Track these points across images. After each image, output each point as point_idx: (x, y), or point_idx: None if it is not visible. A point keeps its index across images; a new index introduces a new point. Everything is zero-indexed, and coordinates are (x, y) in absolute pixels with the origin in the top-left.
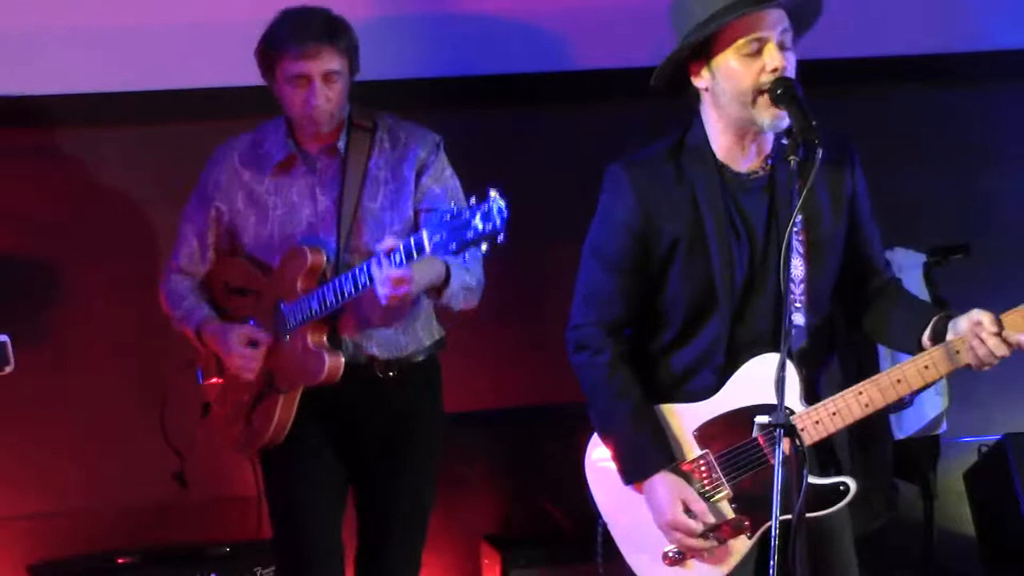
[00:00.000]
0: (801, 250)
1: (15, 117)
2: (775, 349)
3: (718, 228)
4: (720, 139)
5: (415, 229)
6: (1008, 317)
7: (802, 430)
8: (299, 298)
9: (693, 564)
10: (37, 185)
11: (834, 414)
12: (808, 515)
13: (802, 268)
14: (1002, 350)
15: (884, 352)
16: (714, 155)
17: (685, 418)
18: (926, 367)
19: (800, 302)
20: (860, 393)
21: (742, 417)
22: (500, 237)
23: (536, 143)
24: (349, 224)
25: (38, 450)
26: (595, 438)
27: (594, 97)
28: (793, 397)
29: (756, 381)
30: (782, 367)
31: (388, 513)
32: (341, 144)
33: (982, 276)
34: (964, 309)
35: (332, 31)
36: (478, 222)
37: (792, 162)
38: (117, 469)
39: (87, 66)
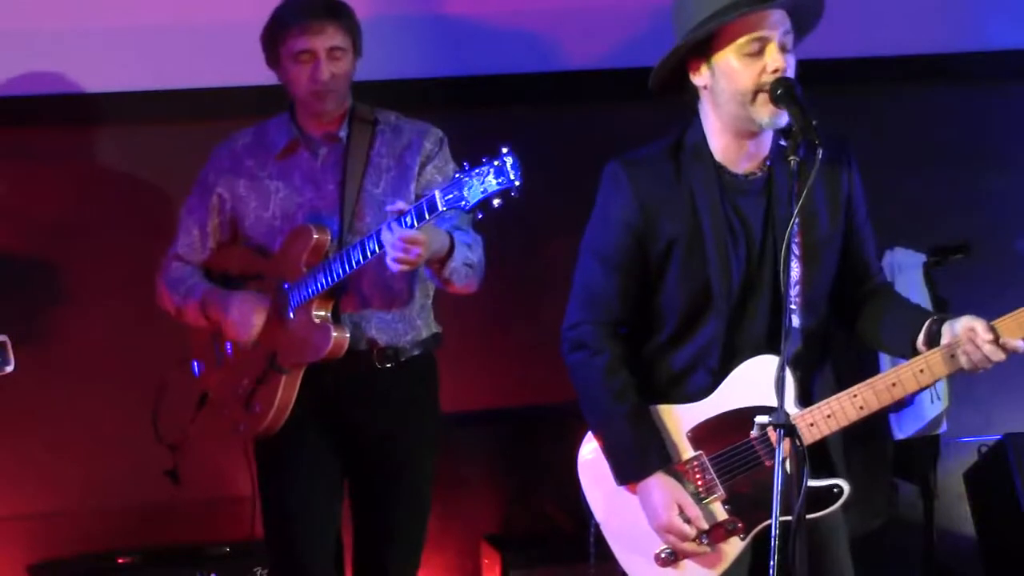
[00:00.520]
0: (798, 252)
1: (15, 117)
2: (771, 351)
3: (715, 229)
4: (718, 139)
5: None
6: (1002, 323)
7: None
8: (303, 275)
9: (685, 565)
10: (37, 185)
11: (829, 416)
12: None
13: (798, 270)
14: (998, 356)
15: (885, 355)
16: (712, 156)
17: (679, 419)
18: (921, 371)
19: (796, 304)
20: (855, 396)
21: (736, 419)
22: (515, 192)
23: (536, 143)
24: (352, 207)
25: (38, 450)
26: (588, 437)
27: (594, 97)
28: (788, 399)
29: (751, 383)
30: (782, 367)
31: (386, 512)
32: (343, 133)
33: (982, 276)
34: (964, 309)
35: (335, 9)
36: (491, 178)
37: (792, 162)
38: (117, 469)
39: (87, 66)
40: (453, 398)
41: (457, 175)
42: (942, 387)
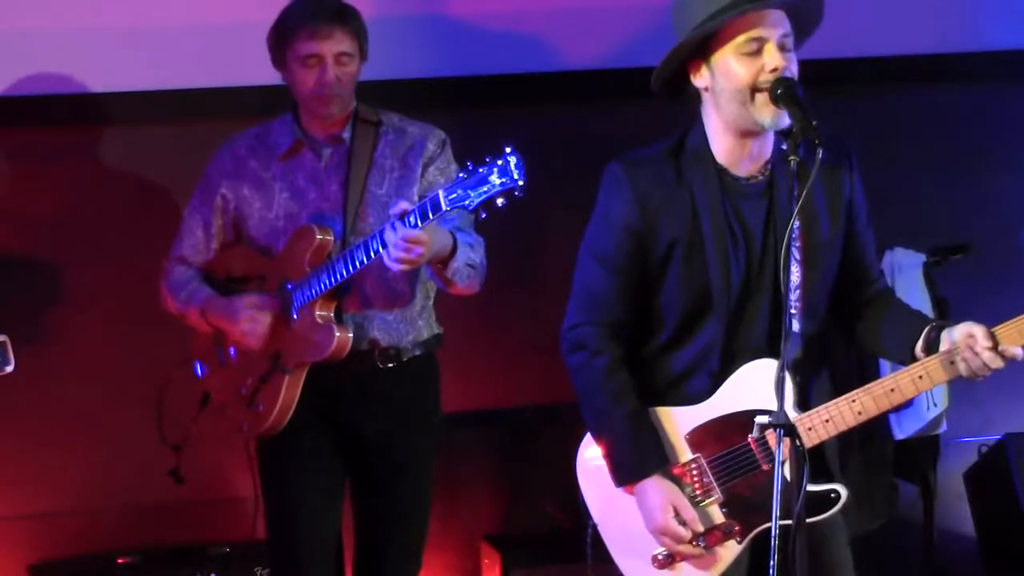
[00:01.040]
0: (798, 256)
1: (15, 117)
2: (770, 354)
3: (716, 232)
4: (720, 141)
5: None
6: (1002, 330)
7: None
8: (307, 275)
9: (681, 567)
10: (37, 185)
11: (827, 421)
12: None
13: (799, 274)
14: (997, 363)
15: (885, 360)
16: (713, 158)
17: (678, 421)
18: (920, 377)
19: (795, 308)
20: (853, 401)
21: (735, 422)
22: (518, 191)
23: (537, 143)
24: (355, 208)
25: (38, 450)
26: (587, 438)
27: (595, 97)
28: (787, 403)
29: (750, 386)
30: (782, 368)
31: (387, 513)
32: (346, 135)
33: (982, 276)
34: (964, 309)
35: (343, 14)
36: (495, 177)
37: (792, 162)
38: (117, 469)
39: (88, 66)
40: (453, 398)
41: (461, 175)
42: (941, 390)
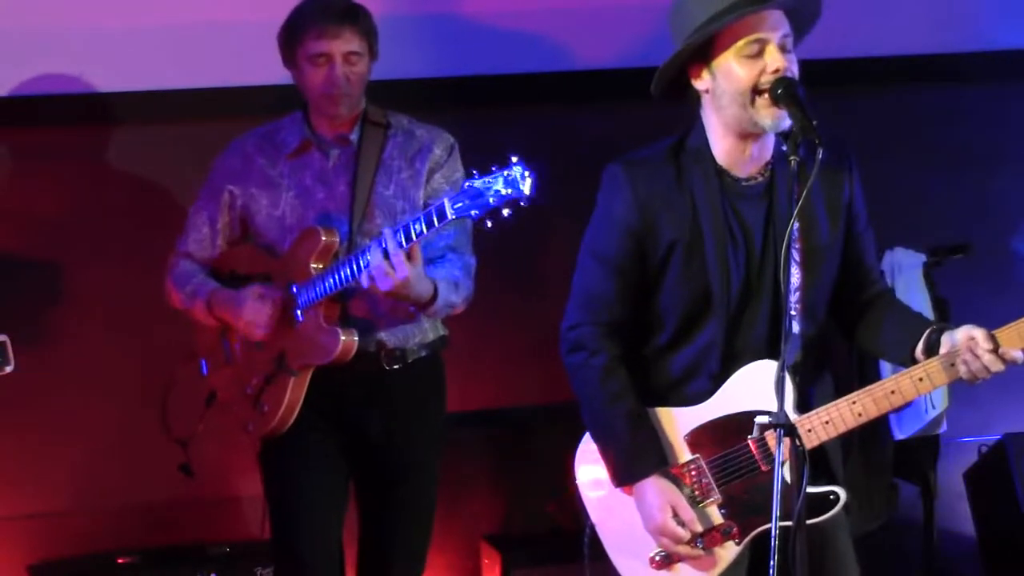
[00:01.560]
0: (798, 258)
1: (16, 117)
2: (771, 356)
3: (715, 233)
4: (720, 143)
5: None
6: (1003, 333)
7: None
8: (312, 277)
9: (679, 568)
10: (37, 185)
11: (827, 423)
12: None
13: (798, 276)
14: (997, 366)
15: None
16: (714, 159)
17: (678, 422)
18: (920, 379)
19: (795, 310)
20: (853, 403)
21: (734, 423)
22: (524, 202)
23: (537, 143)
24: (362, 209)
25: (38, 450)
26: (586, 438)
27: (598, 97)
28: (787, 404)
29: (750, 388)
30: (782, 368)
31: (391, 513)
32: (354, 136)
33: (982, 276)
34: (964, 309)
35: (353, 13)
36: (500, 187)
37: (792, 163)
38: (117, 469)
39: (87, 66)
40: (454, 398)
41: (467, 184)
42: (940, 390)
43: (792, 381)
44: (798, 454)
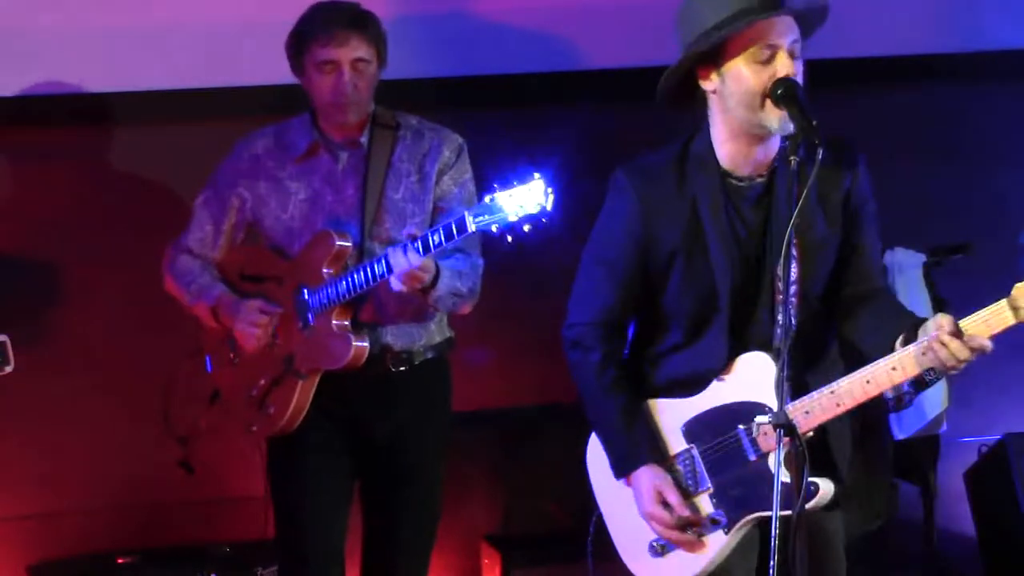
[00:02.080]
0: (795, 253)
1: (16, 117)
2: (773, 351)
3: (718, 236)
4: (725, 146)
5: (432, 225)
6: (969, 322)
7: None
8: (324, 282)
9: (673, 556)
10: (37, 185)
11: (807, 413)
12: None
13: (795, 270)
14: (964, 353)
15: None
16: (717, 162)
17: (675, 413)
18: (893, 368)
19: (791, 303)
20: (832, 392)
21: (726, 413)
22: (545, 218)
23: (538, 144)
24: (372, 213)
25: (38, 450)
26: (594, 433)
27: (601, 97)
28: (767, 394)
29: (742, 379)
30: (782, 368)
31: (396, 514)
32: (364, 139)
33: (982, 276)
34: (964, 309)
35: (361, 20)
36: (522, 204)
37: (792, 162)
38: (117, 469)
39: (88, 66)
40: (454, 398)
41: (489, 198)
42: (941, 390)
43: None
44: (798, 454)
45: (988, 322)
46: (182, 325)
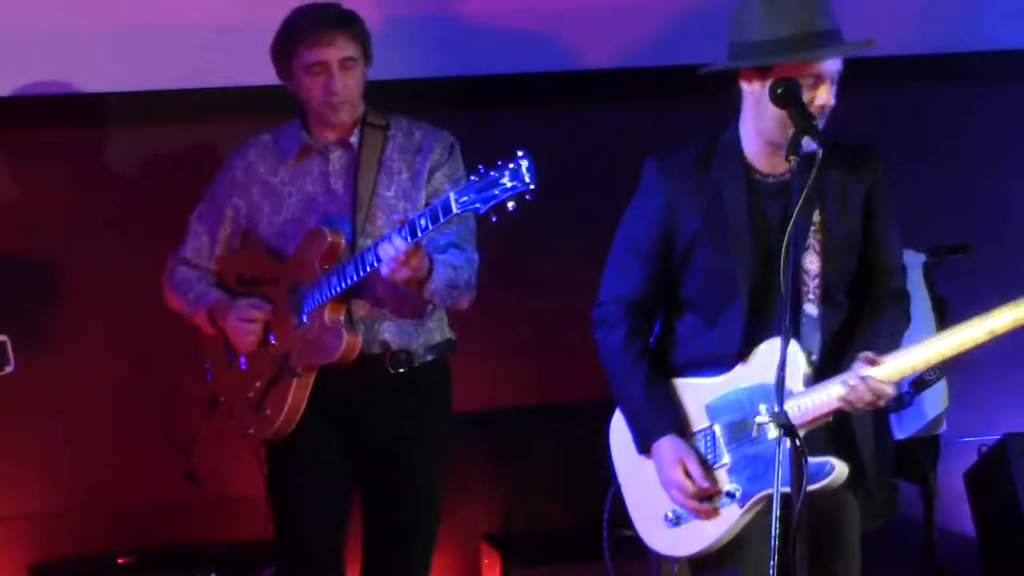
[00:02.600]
0: (818, 248)
1: (14, 117)
2: (794, 337)
3: (739, 224)
4: (752, 143)
5: None
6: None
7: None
8: (317, 278)
9: (688, 527)
10: (37, 185)
11: (813, 402)
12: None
13: (817, 264)
14: (868, 397)
15: None
16: (743, 155)
17: (698, 392)
18: (829, 392)
19: (814, 295)
20: (829, 391)
21: (748, 394)
22: (529, 195)
23: (538, 144)
24: (365, 211)
25: (38, 450)
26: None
27: (601, 97)
28: (796, 380)
29: (767, 362)
30: (782, 367)
31: (396, 518)
32: (354, 140)
33: (982, 276)
34: (964, 309)
35: (345, 19)
36: (506, 180)
37: (792, 161)
38: (117, 469)
39: (87, 66)
40: (454, 398)
41: (472, 178)
42: (941, 390)
43: (807, 360)
44: (798, 453)
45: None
46: (182, 325)
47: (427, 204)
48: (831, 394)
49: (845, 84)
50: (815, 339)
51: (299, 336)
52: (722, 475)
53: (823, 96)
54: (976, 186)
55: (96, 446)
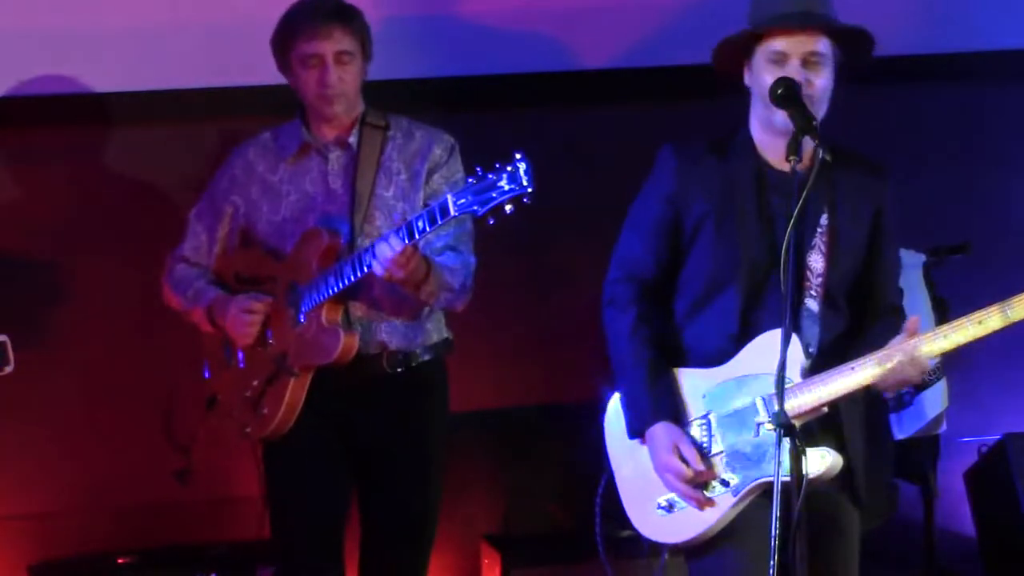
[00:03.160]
0: (824, 250)
1: (16, 117)
2: (793, 331)
3: (747, 212)
4: (759, 136)
5: None
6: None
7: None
8: (315, 278)
9: (681, 514)
10: (38, 185)
11: (811, 392)
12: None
13: (822, 263)
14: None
15: None
16: (756, 151)
17: (697, 381)
18: (852, 369)
19: (816, 292)
20: (824, 384)
21: (745, 384)
22: (527, 198)
23: (538, 144)
24: (363, 211)
25: (38, 450)
26: (614, 395)
27: (597, 98)
28: (794, 371)
29: (765, 352)
30: (782, 367)
31: (394, 519)
32: (353, 139)
33: (982, 276)
34: (964, 309)
35: (343, 13)
36: (504, 183)
37: (792, 161)
38: (117, 469)
39: (87, 66)
40: (454, 398)
41: (470, 180)
42: (940, 390)
43: (806, 353)
44: (798, 453)
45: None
46: (181, 324)
47: (425, 205)
48: (857, 375)
49: (845, 84)
50: (814, 333)
51: (297, 336)
52: (717, 463)
53: (792, 74)
54: (976, 186)
55: (96, 446)
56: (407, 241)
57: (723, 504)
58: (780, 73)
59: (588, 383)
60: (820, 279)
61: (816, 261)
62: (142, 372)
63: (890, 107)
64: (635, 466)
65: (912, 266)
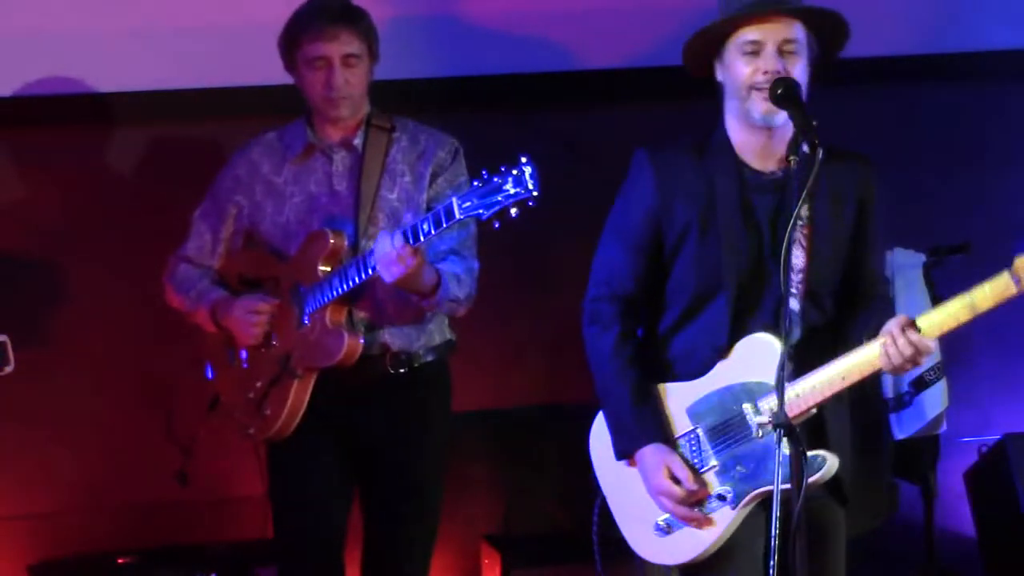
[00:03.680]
0: (804, 244)
1: (16, 117)
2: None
3: (730, 216)
4: (736, 135)
5: None
6: (973, 294)
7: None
8: (319, 280)
9: (680, 534)
10: (38, 185)
11: (797, 396)
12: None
13: (802, 259)
14: (909, 350)
15: None
16: (734, 151)
17: (681, 395)
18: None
19: (797, 290)
20: (814, 386)
21: (730, 393)
22: (532, 202)
23: (538, 144)
24: (368, 213)
25: (38, 450)
26: (599, 415)
27: (597, 98)
28: (771, 374)
29: (747, 360)
30: (782, 367)
31: (395, 518)
32: (358, 141)
33: (982, 276)
34: None
35: (351, 15)
36: (509, 187)
37: (792, 161)
38: (117, 469)
39: (87, 66)
40: (454, 398)
41: (475, 183)
42: (940, 392)
43: (788, 352)
44: (798, 454)
45: (991, 292)
46: (182, 324)
47: (428, 208)
48: (864, 357)
49: (845, 84)
50: (795, 334)
51: (300, 337)
52: (710, 478)
53: (767, 63)
54: (976, 186)
55: (96, 446)
56: (412, 243)
57: (722, 520)
58: (755, 63)
59: (589, 383)
60: (801, 275)
61: (797, 257)
62: (142, 372)
63: (890, 107)
64: (627, 490)
65: (912, 266)
